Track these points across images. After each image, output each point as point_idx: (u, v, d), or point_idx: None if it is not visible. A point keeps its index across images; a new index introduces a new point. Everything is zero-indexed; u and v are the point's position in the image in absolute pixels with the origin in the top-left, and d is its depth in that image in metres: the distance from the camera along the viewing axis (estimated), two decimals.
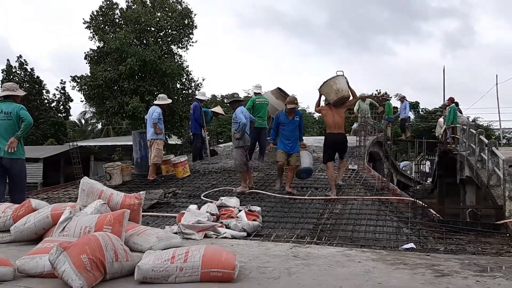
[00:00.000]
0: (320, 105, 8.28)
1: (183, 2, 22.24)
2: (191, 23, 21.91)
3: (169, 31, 21.60)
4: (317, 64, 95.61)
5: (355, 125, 18.96)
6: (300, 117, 7.86)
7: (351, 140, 14.18)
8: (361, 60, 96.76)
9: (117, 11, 21.67)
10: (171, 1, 21.92)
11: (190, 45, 22.32)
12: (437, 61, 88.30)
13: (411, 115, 41.40)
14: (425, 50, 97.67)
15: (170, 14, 21.59)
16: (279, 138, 7.79)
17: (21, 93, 6.41)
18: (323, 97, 8.19)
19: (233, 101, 8.30)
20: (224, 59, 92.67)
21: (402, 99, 18.28)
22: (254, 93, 11.16)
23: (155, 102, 10.09)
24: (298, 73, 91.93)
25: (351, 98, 7.96)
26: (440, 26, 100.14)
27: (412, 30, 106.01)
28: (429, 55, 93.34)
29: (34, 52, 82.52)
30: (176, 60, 21.91)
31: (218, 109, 12.65)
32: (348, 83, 7.81)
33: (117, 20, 21.55)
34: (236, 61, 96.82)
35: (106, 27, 21.23)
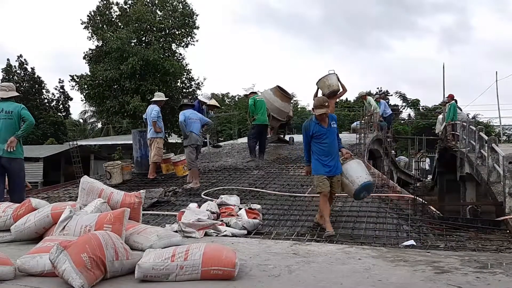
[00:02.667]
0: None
1: (185, 1, 22.22)
2: (192, 23, 21.90)
3: (171, 30, 21.58)
4: (314, 61, 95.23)
5: (354, 124, 18.96)
6: (336, 121, 5.84)
7: (351, 137, 14.20)
8: (357, 56, 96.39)
9: (115, 9, 21.60)
10: (172, 1, 21.90)
11: (192, 44, 22.32)
12: (435, 56, 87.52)
13: (411, 112, 41.48)
14: (423, 45, 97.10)
15: (171, 13, 21.57)
16: (314, 156, 5.65)
17: (14, 94, 6.39)
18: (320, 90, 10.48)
19: (182, 105, 9.40)
20: (222, 58, 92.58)
21: (378, 99, 17.95)
22: (251, 93, 11.32)
23: (152, 99, 10.13)
24: (295, 71, 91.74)
25: (341, 90, 10.08)
26: (437, 21, 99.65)
27: (409, 25, 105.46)
28: (426, 50, 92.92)
29: (28, 51, 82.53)
30: (176, 58, 21.91)
31: (212, 102, 12.69)
32: (339, 79, 10.03)
33: (115, 19, 21.50)
34: (234, 60, 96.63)
35: (105, 26, 21.19)
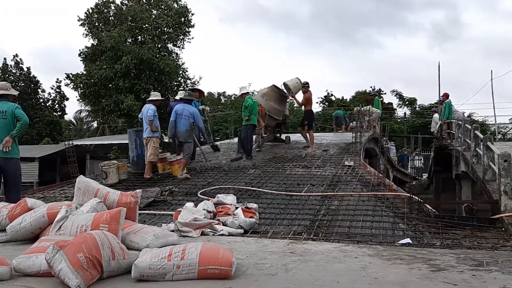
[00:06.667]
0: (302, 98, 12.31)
1: (180, 0, 22.17)
2: (187, 22, 21.84)
3: (165, 29, 21.53)
4: (306, 59, 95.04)
5: (353, 123, 19.07)
6: None
7: (348, 136, 14.23)
8: (349, 53, 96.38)
9: (113, 8, 21.55)
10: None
11: (188, 41, 22.27)
12: (426, 54, 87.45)
13: (407, 111, 41.55)
14: (414, 42, 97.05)
15: (166, 12, 21.52)
16: None
17: (14, 92, 6.39)
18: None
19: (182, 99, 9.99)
20: (217, 57, 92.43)
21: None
22: (246, 93, 11.39)
23: (148, 99, 10.12)
24: (289, 69, 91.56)
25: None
26: (427, 18, 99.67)
27: (399, 22, 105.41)
28: (418, 48, 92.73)
29: (17, 49, 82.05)
30: (172, 58, 21.88)
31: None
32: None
33: (111, 18, 21.44)
34: (229, 59, 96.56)
35: (101, 25, 21.12)
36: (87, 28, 20.84)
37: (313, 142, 12.33)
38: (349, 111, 29.97)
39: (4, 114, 6.06)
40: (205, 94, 34.71)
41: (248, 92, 11.51)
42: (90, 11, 21.10)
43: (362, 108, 16.38)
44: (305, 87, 12.21)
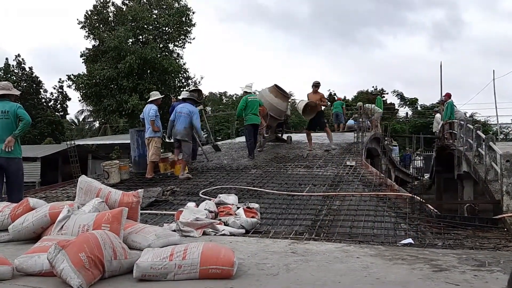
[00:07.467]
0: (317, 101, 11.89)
1: (181, 0, 22.19)
2: (188, 21, 21.86)
3: (166, 29, 21.55)
4: (307, 59, 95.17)
5: (350, 122, 19.07)
6: None
7: (349, 136, 14.20)
8: (350, 53, 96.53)
9: (112, 9, 21.57)
10: None
11: (189, 42, 22.28)
12: (427, 53, 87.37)
13: (409, 111, 41.52)
14: (414, 42, 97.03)
15: (167, 11, 21.54)
16: None
17: (16, 92, 6.40)
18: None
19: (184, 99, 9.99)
20: (218, 57, 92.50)
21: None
22: (245, 92, 11.40)
23: (149, 100, 10.10)
24: (290, 69, 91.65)
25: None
26: (428, 17, 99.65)
27: (399, 21, 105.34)
28: (418, 47, 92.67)
29: (17, 49, 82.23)
30: (174, 58, 21.90)
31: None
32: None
33: (111, 19, 21.45)
34: (231, 59, 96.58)
35: (101, 26, 21.14)
36: (87, 30, 20.86)
37: (310, 142, 12.33)
38: (351, 111, 30.02)
39: (6, 114, 6.07)
40: (207, 94, 34.77)
41: (248, 92, 11.43)
42: (89, 13, 21.12)
43: (365, 105, 16.38)
44: (317, 86, 12.17)
